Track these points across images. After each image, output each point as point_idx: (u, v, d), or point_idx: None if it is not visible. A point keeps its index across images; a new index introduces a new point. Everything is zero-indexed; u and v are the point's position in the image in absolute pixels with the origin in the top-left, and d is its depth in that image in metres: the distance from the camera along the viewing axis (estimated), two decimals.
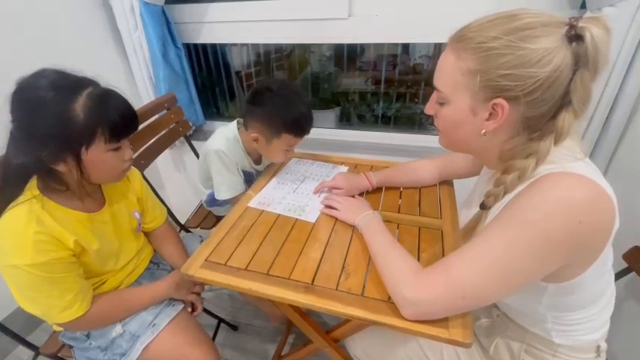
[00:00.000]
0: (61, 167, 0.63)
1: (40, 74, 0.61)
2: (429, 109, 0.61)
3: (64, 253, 0.66)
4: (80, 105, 0.60)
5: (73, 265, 0.68)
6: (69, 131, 0.60)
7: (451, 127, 0.59)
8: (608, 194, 0.48)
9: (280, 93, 0.94)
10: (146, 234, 0.96)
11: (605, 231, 0.48)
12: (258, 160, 1.14)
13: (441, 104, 0.58)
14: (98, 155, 0.65)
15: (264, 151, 1.05)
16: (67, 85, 0.61)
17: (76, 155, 0.62)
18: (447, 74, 0.55)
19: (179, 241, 0.99)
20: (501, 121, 0.52)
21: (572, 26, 0.46)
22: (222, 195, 1.05)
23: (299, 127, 0.96)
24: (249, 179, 1.15)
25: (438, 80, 0.57)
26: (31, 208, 0.63)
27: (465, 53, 0.51)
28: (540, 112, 0.50)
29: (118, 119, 0.64)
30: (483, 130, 0.54)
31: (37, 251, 0.61)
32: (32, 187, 0.66)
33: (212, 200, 1.21)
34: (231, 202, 1.14)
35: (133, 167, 0.90)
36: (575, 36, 0.46)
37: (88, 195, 0.72)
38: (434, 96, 0.59)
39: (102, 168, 0.68)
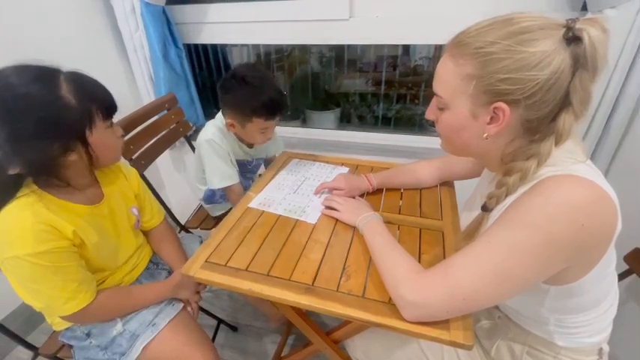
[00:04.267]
0: (72, 157, 0.64)
1: (3, 74, 0.57)
2: (430, 114, 0.61)
3: (64, 242, 0.66)
4: (66, 91, 0.60)
5: (75, 255, 0.69)
6: (69, 118, 0.60)
7: (453, 131, 0.59)
8: (610, 197, 0.47)
9: (247, 79, 0.96)
10: (145, 234, 0.96)
11: (607, 234, 0.48)
12: (250, 144, 1.15)
13: (442, 109, 0.58)
14: (101, 135, 0.66)
15: (242, 134, 1.07)
16: (41, 75, 0.60)
17: (82, 140, 0.63)
18: (447, 80, 0.55)
19: (177, 241, 0.99)
20: (503, 124, 0.51)
21: (569, 28, 0.46)
22: (215, 184, 1.06)
23: (268, 111, 0.98)
24: (244, 170, 1.15)
25: (438, 86, 0.57)
26: (27, 201, 0.63)
27: (463, 59, 0.51)
28: (541, 114, 0.50)
29: (104, 95, 0.66)
30: (485, 134, 0.54)
31: (37, 241, 0.61)
32: (29, 183, 0.66)
33: (210, 196, 1.22)
34: (228, 198, 1.14)
35: (129, 166, 0.91)
36: (573, 38, 0.46)
37: (86, 188, 0.73)
38: (434, 101, 0.59)
39: (107, 147, 0.70)
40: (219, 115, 1.09)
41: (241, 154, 1.15)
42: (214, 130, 1.06)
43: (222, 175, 1.06)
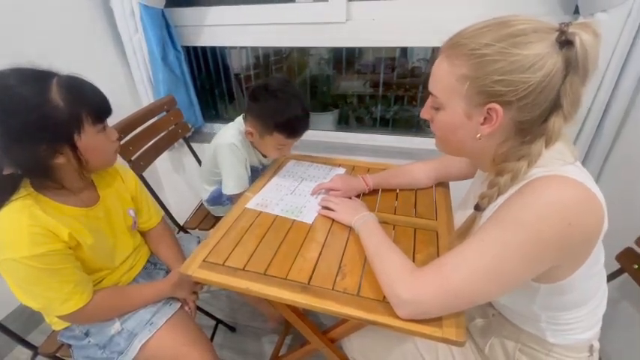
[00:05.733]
0: (60, 160, 0.64)
1: (2, 75, 0.60)
2: (425, 113, 0.62)
3: (60, 245, 0.66)
4: (55, 94, 0.60)
5: (70, 257, 0.69)
6: (57, 121, 0.61)
7: (447, 131, 0.60)
8: (597, 197, 0.49)
9: (277, 93, 0.96)
10: (143, 234, 0.97)
11: (593, 232, 0.50)
12: (264, 154, 1.16)
13: (437, 109, 0.59)
14: (91, 139, 0.66)
15: (258, 145, 1.07)
16: (33, 78, 0.61)
17: (71, 144, 0.64)
18: (442, 80, 0.56)
19: (175, 242, 1.00)
20: (496, 125, 0.53)
21: (562, 32, 0.47)
22: (229, 189, 1.06)
23: (290, 129, 0.98)
24: (255, 176, 1.15)
25: (433, 86, 0.58)
26: (24, 204, 0.64)
27: (458, 60, 0.52)
28: (533, 116, 0.51)
29: (96, 100, 0.67)
30: (478, 135, 0.55)
31: (32, 243, 0.62)
32: (26, 185, 0.67)
33: (216, 198, 1.22)
34: (234, 202, 1.15)
35: (126, 167, 0.92)
36: (565, 41, 0.47)
37: (81, 190, 0.73)
38: (429, 101, 0.60)
39: (97, 151, 0.69)
40: (240, 119, 1.08)
41: (255, 160, 1.15)
42: (235, 132, 1.05)
43: (239, 181, 1.06)
